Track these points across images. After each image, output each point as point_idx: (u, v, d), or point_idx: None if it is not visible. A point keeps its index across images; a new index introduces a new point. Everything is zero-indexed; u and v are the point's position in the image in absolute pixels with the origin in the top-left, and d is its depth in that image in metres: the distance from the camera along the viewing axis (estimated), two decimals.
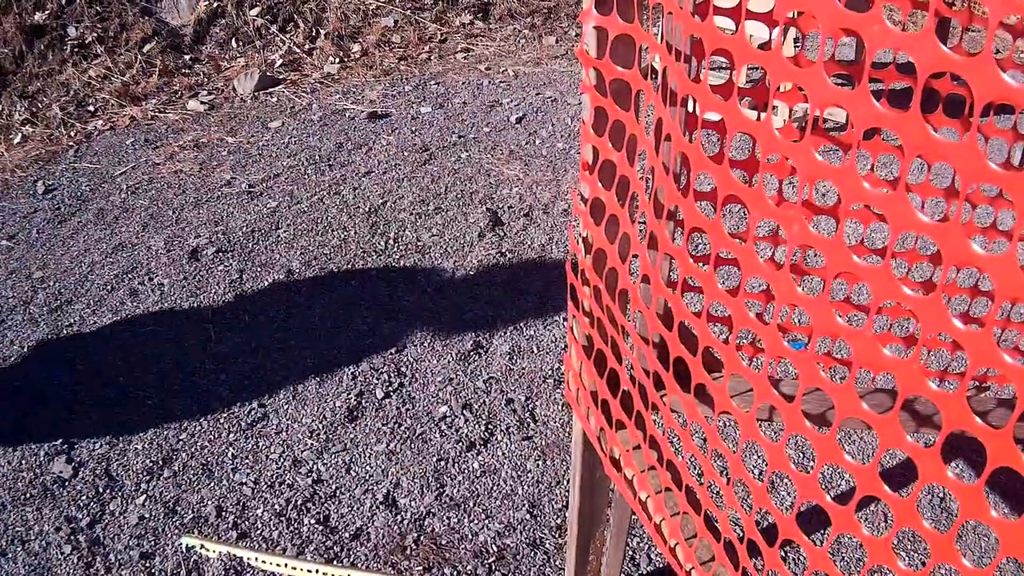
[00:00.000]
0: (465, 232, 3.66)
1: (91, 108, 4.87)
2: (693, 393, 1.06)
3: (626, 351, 1.25)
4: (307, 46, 5.58)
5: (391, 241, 3.61)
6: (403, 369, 2.89)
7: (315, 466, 2.52)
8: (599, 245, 1.24)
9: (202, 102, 4.97)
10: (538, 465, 2.51)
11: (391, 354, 2.96)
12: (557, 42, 5.96)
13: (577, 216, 1.30)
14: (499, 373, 2.87)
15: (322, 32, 5.68)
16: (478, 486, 2.45)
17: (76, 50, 5.12)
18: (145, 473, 2.49)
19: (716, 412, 1.04)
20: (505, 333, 3.06)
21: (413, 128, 4.66)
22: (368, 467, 2.52)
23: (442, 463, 2.53)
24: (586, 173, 1.23)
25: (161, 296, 3.28)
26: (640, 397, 1.23)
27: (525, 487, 2.45)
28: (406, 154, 4.35)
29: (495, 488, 2.44)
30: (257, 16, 5.59)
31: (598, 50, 1.12)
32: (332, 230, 3.69)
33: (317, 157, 4.33)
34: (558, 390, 2.80)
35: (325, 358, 2.95)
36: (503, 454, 2.56)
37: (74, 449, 2.57)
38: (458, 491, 2.43)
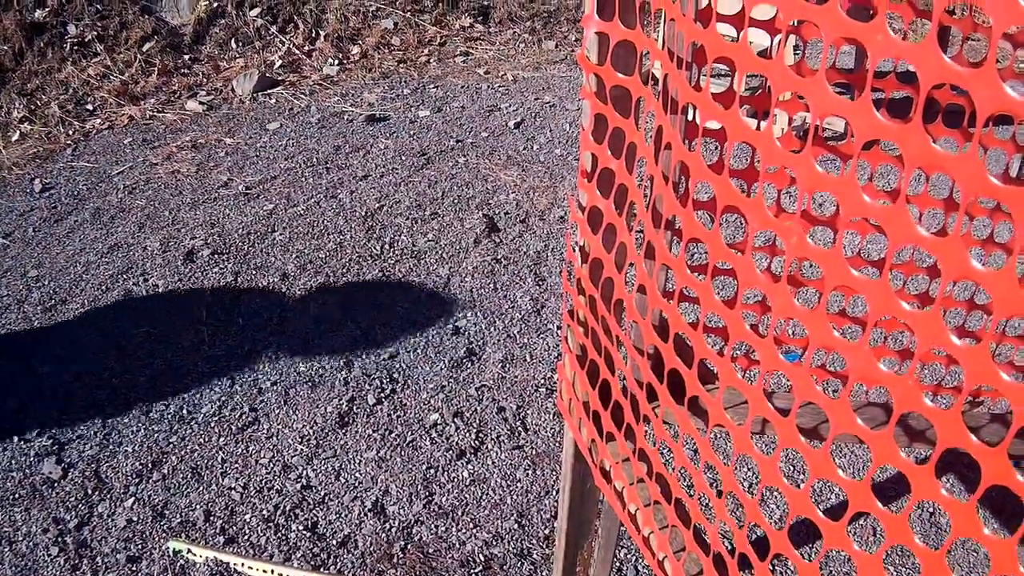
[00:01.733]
0: (461, 238, 3.65)
1: (90, 107, 4.86)
2: (687, 405, 1.05)
3: (620, 362, 1.24)
4: (306, 47, 5.57)
5: (387, 246, 3.60)
6: (395, 376, 2.88)
7: (304, 472, 2.50)
8: (596, 254, 1.23)
9: (201, 102, 4.96)
10: (528, 475, 2.50)
11: (384, 360, 2.95)
12: (556, 47, 5.96)
13: (574, 224, 1.29)
14: (491, 381, 2.86)
15: (322, 33, 5.67)
16: (467, 495, 2.43)
17: (75, 48, 5.11)
18: (134, 476, 2.48)
19: (710, 425, 1.03)
20: (498, 341, 3.05)
21: (411, 132, 4.66)
22: (358, 474, 2.50)
23: (432, 471, 2.51)
24: (585, 180, 1.22)
25: (155, 297, 3.26)
26: (631, 409, 1.22)
27: (514, 496, 2.43)
28: (403, 158, 4.34)
29: (484, 497, 2.43)
30: (257, 17, 5.59)
31: (599, 55, 1.11)
32: (328, 234, 3.68)
33: (314, 160, 4.33)
34: (550, 399, 2.78)
35: (318, 363, 2.93)
36: (493, 463, 2.54)
37: (64, 450, 2.56)
38: (447, 499, 2.42)
